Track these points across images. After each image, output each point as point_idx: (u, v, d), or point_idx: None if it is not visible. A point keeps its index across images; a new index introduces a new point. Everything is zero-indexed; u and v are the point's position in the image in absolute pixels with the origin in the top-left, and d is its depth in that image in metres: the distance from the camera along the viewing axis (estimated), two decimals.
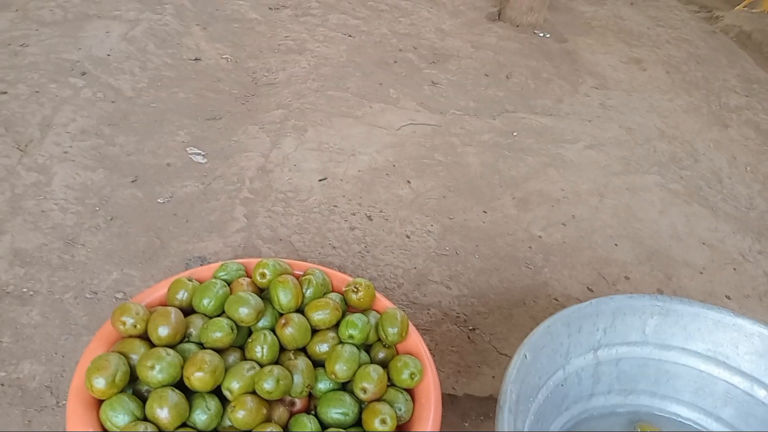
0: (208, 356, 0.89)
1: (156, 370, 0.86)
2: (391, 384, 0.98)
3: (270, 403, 0.91)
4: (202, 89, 2.19)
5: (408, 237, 1.70)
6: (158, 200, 1.65)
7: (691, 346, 1.12)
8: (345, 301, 1.08)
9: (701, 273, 1.81)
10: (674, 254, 1.86)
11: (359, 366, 0.97)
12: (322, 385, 0.97)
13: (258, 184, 1.77)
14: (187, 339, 0.97)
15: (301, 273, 1.10)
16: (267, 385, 0.88)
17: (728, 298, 1.75)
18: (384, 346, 1.04)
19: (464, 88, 2.56)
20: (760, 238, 2.02)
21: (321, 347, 0.99)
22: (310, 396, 0.98)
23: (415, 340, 1.04)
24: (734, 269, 1.86)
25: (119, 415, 0.83)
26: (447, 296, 1.54)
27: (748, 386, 1.10)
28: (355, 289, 1.06)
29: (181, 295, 1.02)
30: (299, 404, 0.96)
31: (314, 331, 1.02)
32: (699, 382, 1.14)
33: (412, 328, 1.06)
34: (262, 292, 1.07)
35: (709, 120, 2.72)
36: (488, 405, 1.31)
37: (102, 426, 0.84)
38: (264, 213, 1.67)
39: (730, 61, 3.36)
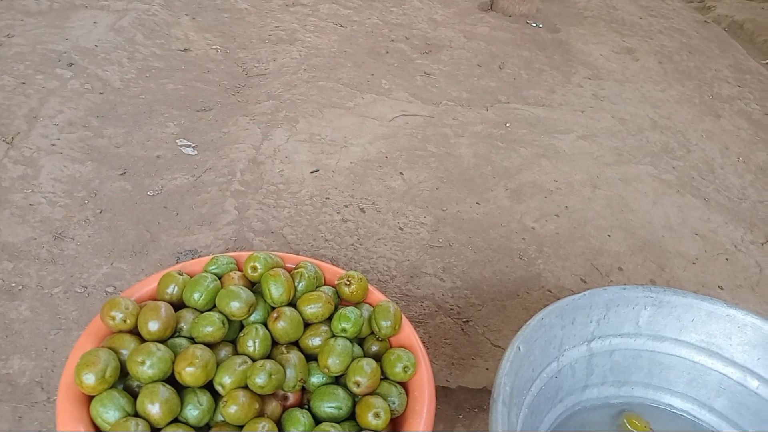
0: (199, 351, 0.88)
1: (146, 365, 0.85)
2: (384, 377, 0.98)
3: (262, 398, 0.90)
4: (192, 80, 2.16)
5: (401, 229, 1.69)
6: (148, 193, 1.64)
7: (684, 337, 1.13)
8: (338, 294, 1.07)
9: (694, 263, 1.82)
10: (667, 245, 1.86)
11: (352, 359, 0.96)
12: (315, 379, 0.96)
13: (249, 176, 1.75)
14: (177, 334, 0.96)
15: (293, 266, 1.09)
16: (259, 380, 0.87)
17: (721, 288, 1.75)
18: (377, 339, 1.03)
19: (456, 78, 2.55)
20: (752, 228, 2.03)
21: (313, 341, 0.99)
22: (303, 390, 0.98)
23: (408, 333, 1.04)
24: (727, 259, 1.86)
25: (110, 411, 0.82)
26: (440, 288, 1.54)
27: (741, 377, 1.11)
28: (348, 282, 1.05)
29: (172, 290, 1.01)
30: (292, 398, 0.96)
31: (307, 325, 1.01)
32: (692, 373, 1.14)
33: (405, 321, 1.05)
34: (254, 286, 1.06)
35: (702, 110, 2.73)
36: (482, 397, 1.31)
37: (93, 422, 0.83)
38: (255, 205, 1.65)
39: (722, 51, 3.36)
